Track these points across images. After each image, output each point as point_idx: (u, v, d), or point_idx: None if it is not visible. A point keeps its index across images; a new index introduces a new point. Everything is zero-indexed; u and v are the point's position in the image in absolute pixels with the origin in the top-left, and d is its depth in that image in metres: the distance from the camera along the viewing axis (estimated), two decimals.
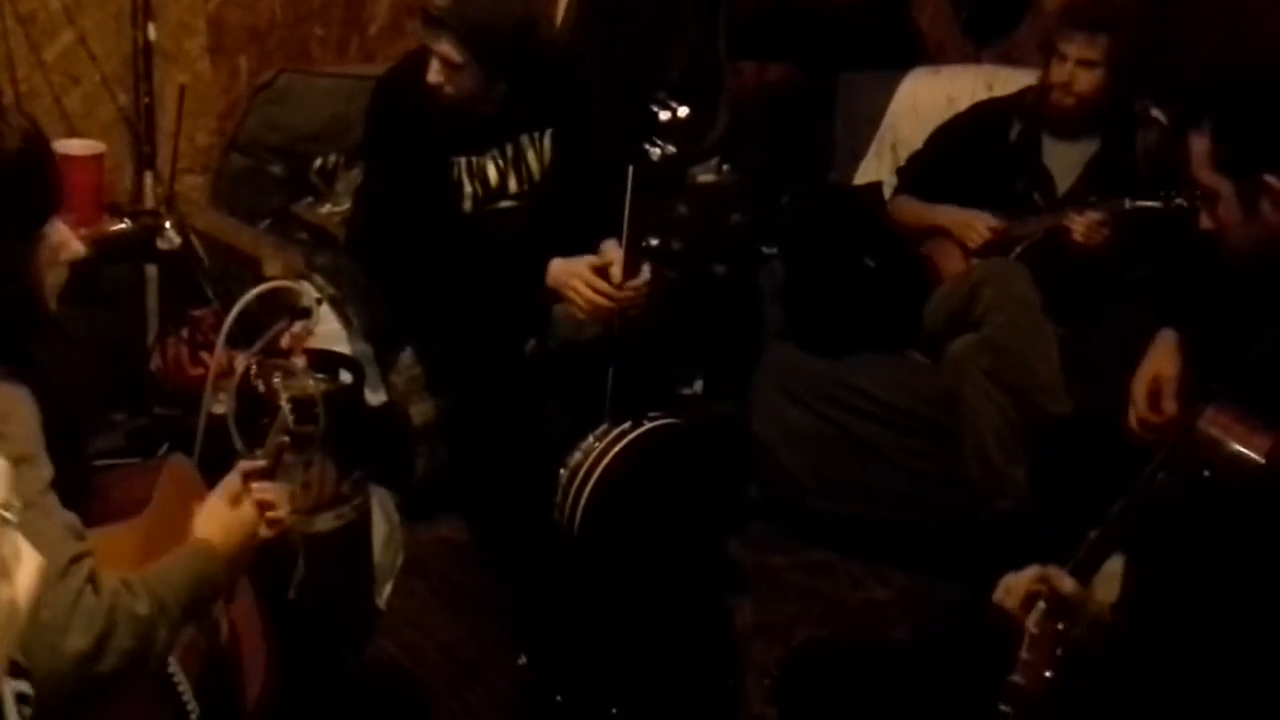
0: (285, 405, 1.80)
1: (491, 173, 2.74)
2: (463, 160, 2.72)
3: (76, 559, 1.36)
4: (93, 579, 1.37)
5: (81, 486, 1.56)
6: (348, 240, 3.00)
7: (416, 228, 2.66)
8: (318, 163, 3.26)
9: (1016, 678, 1.54)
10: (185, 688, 1.56)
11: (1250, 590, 1.57)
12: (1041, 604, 1.58)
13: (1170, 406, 2.03)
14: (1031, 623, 1.57)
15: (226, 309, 2.08)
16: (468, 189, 2.74)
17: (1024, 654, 1.55)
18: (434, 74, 2.59)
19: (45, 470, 1.38)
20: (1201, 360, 1.99)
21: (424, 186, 2.69)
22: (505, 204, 2.78)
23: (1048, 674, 1.53)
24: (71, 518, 1.40)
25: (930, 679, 1.85)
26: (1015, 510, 2.70)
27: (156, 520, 1.64)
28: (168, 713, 1.53)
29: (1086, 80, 2.90)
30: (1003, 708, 1.53)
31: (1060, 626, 1.56)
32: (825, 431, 2.98)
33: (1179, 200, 2.74)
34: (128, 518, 1.62)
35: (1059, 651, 1.55)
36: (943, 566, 2.77)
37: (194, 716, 1.56)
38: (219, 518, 1.61)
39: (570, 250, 2.71)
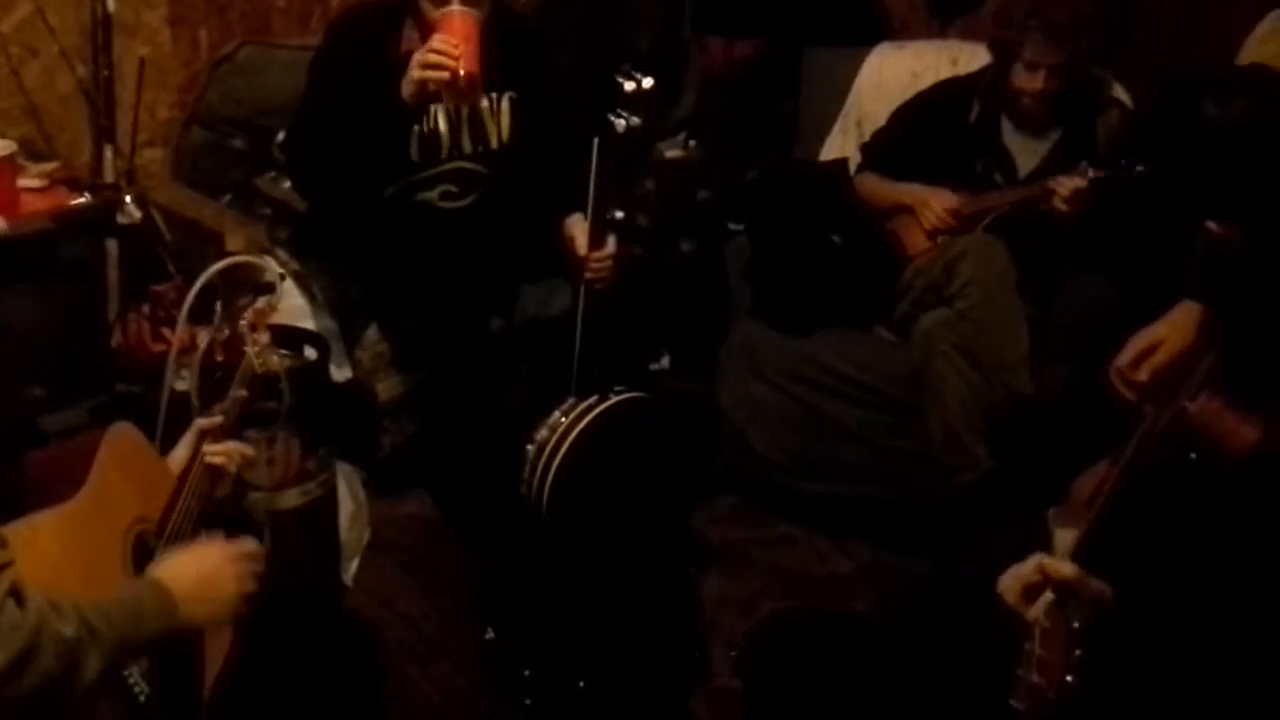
0: (250, 350, 1.79)
1: (441, 124, 2.70)
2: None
3: None
4: (17, 593, 1.32)
5: (5, 481, 1.52)
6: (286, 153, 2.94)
7: (355, 137, 2.55)
8: (280, 136, 3.21)
9: (1033, 676, 1.42)
10: (130, 669, 1.54)
11: (1237, 575, 1.55)
12: (1049, 594, 1.48)
13: (1145, 374, 1.95)
14: (1040, 614, 1.46)
15: (188, 284, 2.05)
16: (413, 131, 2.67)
17: (1037, 649, 1.43)
18: None
19: None
20: (1217, 342, 1.87)
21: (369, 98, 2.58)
22: (463, 164, 2.75)
23: (1069, 678, 1.41)
24: None
25: (892, 651, 1.87)
26: (977, 484, 2.73)
27: (98, 496, 1.59)
28: (112, 696, 1.50)
29: (1051, 83, 2.87)
30: (1014, 704, 1.42)
31: (1075, 624, 1.44)
32: (791, 407, 2.99)
33: (1139, 169, 2.75)
34: (64, 500, 1.56)
35: (1078, 652, 1.42)
36: (905, 541, 2.81)
37: (143, 697, 1.54)
38: (177, 568, 1.55)
39: (535, 222, 2.70)
